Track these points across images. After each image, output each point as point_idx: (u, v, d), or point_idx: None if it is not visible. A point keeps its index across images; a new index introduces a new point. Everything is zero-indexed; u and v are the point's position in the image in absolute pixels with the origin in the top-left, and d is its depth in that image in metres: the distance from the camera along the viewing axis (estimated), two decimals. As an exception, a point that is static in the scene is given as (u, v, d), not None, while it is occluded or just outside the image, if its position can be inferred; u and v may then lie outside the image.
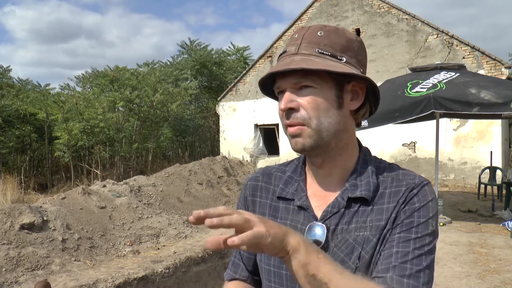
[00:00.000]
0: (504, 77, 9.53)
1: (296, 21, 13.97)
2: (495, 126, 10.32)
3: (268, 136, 15.29)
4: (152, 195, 5.89)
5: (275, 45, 14.53)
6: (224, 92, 16.06)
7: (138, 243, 4.67)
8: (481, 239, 5.47)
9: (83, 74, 18.27)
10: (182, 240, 4.99)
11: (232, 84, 15.83)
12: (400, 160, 11.62)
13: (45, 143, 14.54)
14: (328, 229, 0.81)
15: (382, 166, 0.87)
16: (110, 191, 5.48)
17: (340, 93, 0.81)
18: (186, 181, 6.78)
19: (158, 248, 4.63)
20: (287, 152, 13.91)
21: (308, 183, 0.89)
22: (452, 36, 10.90)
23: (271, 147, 14.98)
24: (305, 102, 0.79)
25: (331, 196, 0.84)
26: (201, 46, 20.56)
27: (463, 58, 10.61)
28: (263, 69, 14.79)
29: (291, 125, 0.81)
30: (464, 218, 6.84)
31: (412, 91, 5.49)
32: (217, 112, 16.37)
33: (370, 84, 0.84)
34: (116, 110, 14.10)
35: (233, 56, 21.85)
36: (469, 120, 10.23)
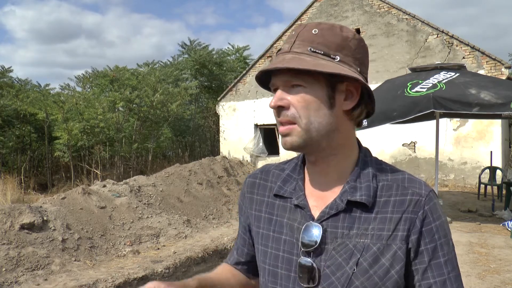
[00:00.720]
0: (504, 77, 9.53)
1: (296, 21, 13.98)
2: (495, 126, 10.32)
3: (268, 136, 15.30)
4: (152, 195, 5.89)
5: (275, 45, 14.53)
6: (224, 92, 16.07)
7: (138, 243, 4.67)
8: (481, 239, 5.47)
9: (83, 74, 18.27)
10: (182, 240, 4.99)
11: (232, 84, 15.83)
12: (400, 160, 11.62)
13: (45, 143, 14.54)
14: (325, 230, 0.80)
15: (383, 169, 0.85)
16: (110, 191, 5.48)
17: (332, 93, 0.79)
18: (186, 181, 6.78)
19: (158, 248, 4.63)
20: (287, 152, 13.92)
21: (306, 182, 0.88)
22: (452, 36, 10.90)
23: (271, 147, 14.98)
24: (295, 101, 0.79)
25: (329, 197, 0.83)
26: (201, 46, 20.57)
27: (463, 58, 10.61)
28: (260, 69, 14.81)
29: (281, 123, 0.82)
30: (464, 218, 6.84)
31: (412, 91, 5.49)
32: (217, 112, 16.38)
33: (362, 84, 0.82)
34: (116, 110, 14.10)
35: (233, 56, 21.85)
36: (469, 120, 10.23)
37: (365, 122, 5.55)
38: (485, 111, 5.07)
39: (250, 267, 1.01)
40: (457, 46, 10.82)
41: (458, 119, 10.03)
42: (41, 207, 4.48)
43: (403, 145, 11.66)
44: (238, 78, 15.66)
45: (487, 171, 8.71)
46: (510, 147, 11.97)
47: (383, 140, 11.45)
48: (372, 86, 9.44)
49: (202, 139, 20.78)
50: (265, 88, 0.92)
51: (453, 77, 5.63)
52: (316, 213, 0.82)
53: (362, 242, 0.78)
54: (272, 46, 14.60)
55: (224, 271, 1.02)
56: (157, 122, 15.07)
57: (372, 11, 12.32)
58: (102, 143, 13.67)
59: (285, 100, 0.80)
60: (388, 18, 12.04)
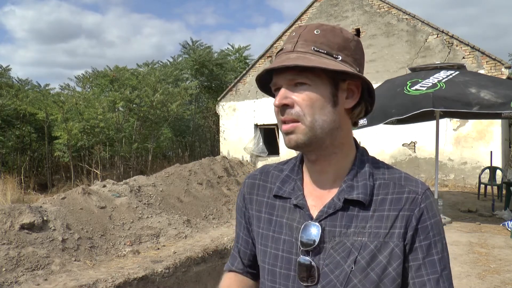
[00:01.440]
0: (504, 77, 9.53)
1: (296, 21, 13.97)
2: (495, 126, 10.32)
3: (268, 136, 15.30)
4: (152, 195, 5.89)
5: (275, 45, 14.53)
6: (224, 92, 16.07)
7: (138, 243, 4.67)
8: (481, 239, 5.47)
9: (83, 74, 18.26)
10: (182, 240, 4.99)
11: (232, 84, 15.83)
12: (400, 160, 11.62)
13: (45, 143, 14.54)
14: (323, 229, 0.81)
15: (380, 168, 0.86)
16: (110, 191, 5.47)
17: (335, 91, 0.81)
18: (186, 181, 6.78)
19: (158, 248, 4.63)
20: (287, 152, 13.91)
21: (304, 182, 0.89)
22: (452, 36, 10.90)
23: (271, 147, 14.98)
24: (300, 99, 0.80)
25: (327, 196, 0.84)
26: (203, 47, 20.56)
27: (463, 58, 10.61)
28: (263, 69, 14.80)
29: (285, 122, 0.82)
30: (464, 218, 6.84)
31: (412, 89, 5.48)
32: (217, 112, 16.38)
33: (365, 83, 0.83)
34: (116, 110, 14.09)
35: (233, 56, 21.85)
36: (469, 120, 10.23)
37: (364, 121, 5.56)
38: (485, 110, 5.06)
39: (256, 269, 0.98)
40: (457, 46, 10.82)
41: (458, 119, 10.03)
42: (41, 207, 4.48)
43: (403, 145, 11.66)
44: (238, 78, 15.66)
45: (487, 171, 8.71)
46: (510, 147, 11.97)
47: (383, 140, 11.45)
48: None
49: (202, 139, 20.78)
50: (264, 90, 0.94)
51: (453, 75, 5.63)
52: (314, 213, 0.83)
53: (360, 240, 0.79)
54: (272, 46, 14.60)
55: (231, 285, 1.00)
56: (157, 122, 15.07)
57: (372, 11, 12.32)
58: (102, 143, 13.67)
59: (289, 98, 0.81)
60: (388, 18, 12.04)
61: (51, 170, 14.60)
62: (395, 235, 0.79)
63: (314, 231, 0.81)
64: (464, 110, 5.24)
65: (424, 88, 5.39)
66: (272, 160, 14.10)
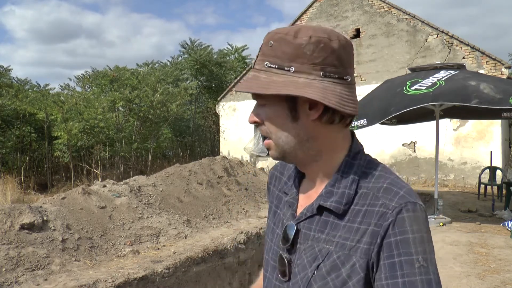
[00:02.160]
0: (504, 77, 9.53)
1: (296, 21, 13.97)
2: (495, 126, 10.33)
3: (268, 136, 15.31)
4: (152, 195, 5.89)
5: (275, 45, 14.54)
6: (224, 92, 16.07)
7: (138, 243, 4.67)
8: (481, 239, 5.47)
9: (83, 74, 18.27)
10: (182, 240, 4.99)
11: (232, 84, 15.84)
12: (400, 160, 11.62)
13: (45, 143, 14.54)
14: (298, 231, 0.83)
15: (371, 174, 0.81)
16: (110, 191, 5.47)
17: (294, 106, 0.78)
18: (186, 181, 6.78)
19: (158, 248, 4.63)
20: (287, 152, 13.93)
21: (303, 181, 0.91)
22: (452, 36, 10.91)
23: (271, 147, 15.00)
24: (264, 118, 0.82)
25: (313, 198, 0.84)
26: (202, 46, 20.56)
27: (463, 58, 10.62)
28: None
29: (263, 137, 0.85)
30: (464, 218, 6.84)
31: (411, 89, 5.48)
32: (217, 112, 16.38)
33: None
34: (116, 110, 14.10)
35: (232, 56, 21.86)
36: (469, 120, 10.23)
37: (364, 121, 5.56)
38: (484, 105, 4.99)
39: None
40: (457, 46, 10.83)
41: (458, 119, 10.03)
42: (41, 207, 4.48)
43: (403, 145, 11.66)
44: (238, 78, 15.67)
45: (487, 171, 8.71)
46: (510, 147, 11.97)
47: (383, 140, 11.45)
48: (372, 86, 9.43)
49: (202, 139, 20.78)
50: None
51: (453, 74, 5.63)
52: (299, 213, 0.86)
53: (327, 248, 0.78)
54: (272, 46, 14.61)
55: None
56: (157, 122, 15.07)
57: (372, 11, 12.32)
58: (102, 143, 13.67)
59: (258, 116, 0.83)
60: (388, 18, 12.04)
61: (51, 170, 14.60)
62: (359, 250, 0.74)
63: (291, 231, 0.83)
64: (463, 104, 5.20)
65: (423, 88, 5.39)
66: (272, 160, 14.09)
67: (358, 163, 0.82)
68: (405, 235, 0.72)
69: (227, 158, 8.55)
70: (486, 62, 10.35)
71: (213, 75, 20.13)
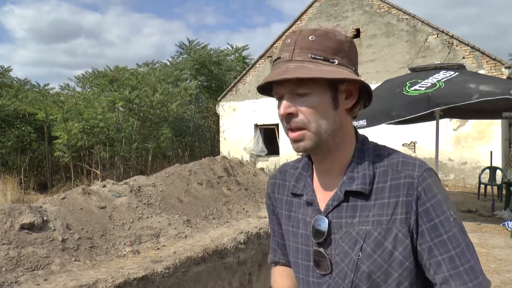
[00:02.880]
0: (504, 77, 9.53)
1: (296, 21, 13.98)
2: (495, 126, 10.33)
3: (268, 136, 15.29)
4: (152, 195, 5.89)
5: (274, 45, 14.53)
6: (224, 92, 16.07)
7: (138, 243, 4.67)
8: (481, 239, 5.47)
9: (83, 74, 18.27)
10: (182, 240, 4.98)
11: (232, 84, 15.83)
12: (400, 160, 11.62)
13: (45, 143, 14.53)
14: (330, 222, 0.86)
15: (381, 154, 0.88)
16: (110, 191, 5.47)
17: (335, 94, 0.85)
18: (186, 181, 6.77)
19: (158, 248, 4.63)
20: (287, 152, 13.91)
21: (314, 178, 0.95)
22: (452, 36, 10.90)
23: (271, 147, 14.98)
24: (303, 108, 0.84)
25: (333, 189, 0.89)
26: (201, 46, 20.55)
27: (463, 58, 10.62)
28: (263, 69, 14.79)
29: (291, 130, 0.86)
30: (464, 218, 6.84)
31: (411, 89, 5.47)
32: (217, 112, 16.37)
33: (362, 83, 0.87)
34: (116, 110, 14.09)
35: (232, 56, 21.85)
36: (469, 120, 10.23)
37: (364, 122, 5.55)
38: (485, 97, 4.97)
39: None
40: (457, 46, 10.82)
41: (458, 119, 10.03)
42: (41, 207, 4.48)
43: (403, 145, 11.66)
44: (238, 78, 15.66)
45: (487, 171, 8.71)
46: (510, 147, 11.97)
47: (383, 140, 11.34)
48: (372, 86, 9.43)
49: (202, 139, 20.78)
50: (267, 95, 0.96)
51: (452, 76, 5.62)
52: (323, 206, 0.89)
53: (364, 229, 0.83)
54: (271, 46, 14.60)
55: (283, 279, 1.07)
56: (157, 122, 15.07)
57: (372, 11, 12.31)
58: (102, 143, 13.67)
59: (293, 107, 0.84)
60: (388, 18, 12.03)
61: (51, 170, 14.60)
62: (397, 221, 0.81)
63: (322, 224, 0.86)
64: (464, 102, 5.18)
65: (423, 88, 5.38)
66: (272, 160, 14.09)
67: (367, 148, 0.90)
68: (436, 197, 0.81)
69: (227, 158, 8.54)
70: (486, 62, 10.35)
71: (213, 75, 20.12)
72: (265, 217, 6.08)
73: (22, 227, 3.98)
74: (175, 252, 4.40)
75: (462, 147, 10.79)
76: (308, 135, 0.85)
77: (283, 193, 1.01)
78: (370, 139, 0.93)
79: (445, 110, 6.73)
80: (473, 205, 7.71)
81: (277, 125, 14.36)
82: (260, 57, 14.98)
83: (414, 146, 11.52)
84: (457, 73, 5.71)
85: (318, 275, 0.88)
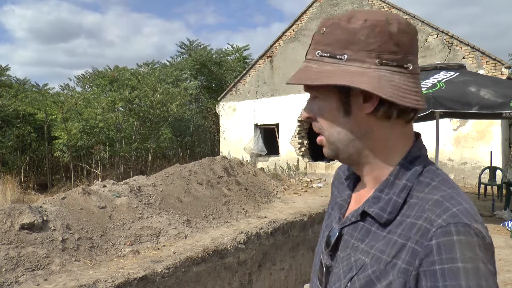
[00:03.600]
0: (504, 77, 9.53)
1: (296, 21, 13.97)
2: (495, 126, 10.33)
3: (268, 136, 15.29)
4: (152, 195, 5.89)
5: (275, 45, 14.53)
6: (224, 92, 16.07)
7: (138, 243, 4.67)
8: (481, 239, 5.46)
9: (82, 74, 18.29)
10: (182, 240, 4.98)
11: (232, 84, 15.83)
12: (400, 160, 11.62)
13: (44, 143, 14.54)
14: (340, 236, 0.77)
15: (427, 183, 0.70)
16: (110, 191, 5.47)
17: (346, 99, 0.72)
18: (186, 181, 6.77)
19: (158, 248, 4.63)
20: (287, 152, 13.91)
21: (359, 182, 0.85)
22: (452, 36, 10.91)
23: (271, 147, 14.98)
24: (316, 113, 0.77)
25: (362, 202, 0.78)
26: (201, 46, 20.57)
27: (463, 58, 10.62)
28: (263, 69, 14.79)
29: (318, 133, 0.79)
30: (464, 218, 6.83)
31: (412, 89, 5.48)
32: (217, 112, 16.38)
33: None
34: (116, 110, 14.10)
35: (232, 56, 21.87)
36: (469, 120, 10.23)
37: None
38: (485, 110, 5.06)
39: None
40: (457, 46, 10.83)
41: (458, 119, 10.03)
42: (41, 207, 4.48)
43: (403, 145, 11.67)
44: (238, 78, 15.66)
45: (487, 171, 8.71)
46: (510, 147, 11.97)
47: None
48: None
49: (202, 139, 20.78)
50: None
51: (453, 76, 5.63)
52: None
53: (363, 260, 0.71)
54: (272, 46, 14.59)
55: None
56: (157, 122, 15.08)
57: (372, 11, 12.33)
58: (102, 143, 13.68)
59: (310, 112, 0.78)
60: (388, 18, 12.04)
61: (51, 170, 14.60)
62: (397, 267, 0.65)
63: (332, 236, 0.79)
64: (464, 111, 5.24)
65: (423, 89, 5.39)
66: (272, 160, 14.09)
67: (414, 170, 0.72)
68: (454, 264, 0.59)
69: (227, 158, 8.54)
70: (486, 62, 10.35)
71: (213, 75, 20.14)
72: (265, 217, 6.08)
73: (22, 227, 3.98)
74: (175, 252, 4.40)
75: (462, 147, 10.79)
76: (325, 141, 0.77)
77: (337, 187, 0.91)
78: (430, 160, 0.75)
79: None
80: (473, 205, 7.71)
81: (277, 125, 14.36)
82: (260, 57, 14.98)
83: (414, 146, 11.54)
84: (457, 74, 5.72)
85: (317, 284, 0.83)
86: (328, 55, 0.71)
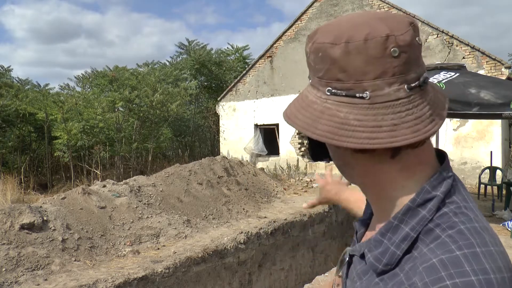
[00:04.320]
0: (504, 77, 9.53)
1: (296, 21, 13.98)
2: (495, 126, 10.33)
3: (268, 136, 15.30)
4: (152, 195, 5.88)
5: (275, 45, 14.53)
6: (224, 92, 16.07)
7: (138, 243, 4.66)
8: (481, 239, 5.47)
9: (82, 74, 18.31)
10: (182, 240, 4.98)
11: (232, 84, 15.83)
12: (400, 160, 11.62)
13: (45, 143, 14.55)
14: (350, 263, 0.72)
15: (434, 234, 0.55)
16: (110, 191, 5.47)
17: None
18: (186, 181, 6.77)
19: (158, 248, 4.63)
20: (287, 152, 13.92)
21: None
22: (452, 36, 10.91)
23: (271, 147, 14.98)
24: None
25: (371, 233, 0.69)
26: (200, 46, 20.58)
27: (463, 58, 10.62)
28: (263, 69, 14.79)
29: None
30: (464, 218, 6.83)
31: (412, 90, 5.49)
32: (217, 112, 16.38)
33: None
34: (116, 110, 14.11)
35: (232, 56, 21.87)
36: (469, 120, 10.24)
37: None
38: (485, 111, 5.07)
39: None
40: (457, 46, 10.83)
41: (458, 119, 10.04)
42: (41, 207, 4.48)
43: (403, 145, 11.67)
44: (238, 78, 15.66)
45: (487, 171, 8.71)
46: (510, 147, 11.97)
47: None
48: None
49: (202, 139, 20.79)
50: None
51: (453, 77, 5.64)
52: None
53: None
54: (272, 46, 14.60)
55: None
56: (157, 122, 15.08)
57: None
58: (102, 143, 13.68)
59: None
60: (388, 18, 12.05)
61: (51, 170, 14.60)
62: None
63: (345, 259, 0.75)
64: (464, 112, 5.25)
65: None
66: (272, 160, 14.10)
67: (423, 215, 0.57)
68: None
69: (227, 158, 8.54)
70: (486, 62, 10.36)
71: (213, 75, 20.14)
72: (265, 217, 6.08)
73: (22, 227, 3.98)
74: (175, 252, 4.40)
75: (462, 147, 10.80)
76: None
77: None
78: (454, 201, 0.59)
79: (445, 110, 6.76)
80: (473, 205, 7.71)
81: (277, 125, 14.37)
82: (260, 57, 14.98)
83: (414, 146, 11.54)
84: (457, 74, 5.72)
85: None
86: (309, 78, 0.64)
